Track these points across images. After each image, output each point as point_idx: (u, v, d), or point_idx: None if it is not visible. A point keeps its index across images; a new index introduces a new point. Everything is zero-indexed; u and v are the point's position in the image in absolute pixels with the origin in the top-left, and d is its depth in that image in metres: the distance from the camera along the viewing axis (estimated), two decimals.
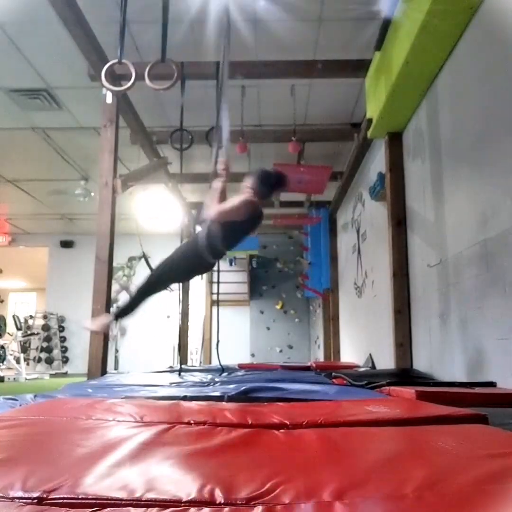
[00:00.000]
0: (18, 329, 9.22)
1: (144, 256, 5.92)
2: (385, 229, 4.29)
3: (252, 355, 9.89)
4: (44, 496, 0.84)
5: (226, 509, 0.81)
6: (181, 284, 6.15)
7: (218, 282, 4.32)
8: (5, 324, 9.44)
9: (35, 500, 0.83)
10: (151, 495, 0.84)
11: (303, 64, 4.15)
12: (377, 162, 4.94)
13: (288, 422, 1.49)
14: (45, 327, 10.19)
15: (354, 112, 5.17)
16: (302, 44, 4.11)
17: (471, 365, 2.88)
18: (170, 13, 2.94)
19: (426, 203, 3.63)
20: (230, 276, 8.96)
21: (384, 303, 4.51)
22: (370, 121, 4.19)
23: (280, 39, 4.03)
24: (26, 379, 7.98)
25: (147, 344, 9.63)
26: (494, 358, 2.58)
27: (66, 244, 10.36)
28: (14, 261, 11.69)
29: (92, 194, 7.01)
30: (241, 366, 4.87)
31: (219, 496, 0.84)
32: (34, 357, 10.21)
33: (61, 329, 10.26)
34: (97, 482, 0.90)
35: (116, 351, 9.72)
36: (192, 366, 7.25)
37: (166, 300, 8.27)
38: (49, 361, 10.16)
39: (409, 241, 4.02)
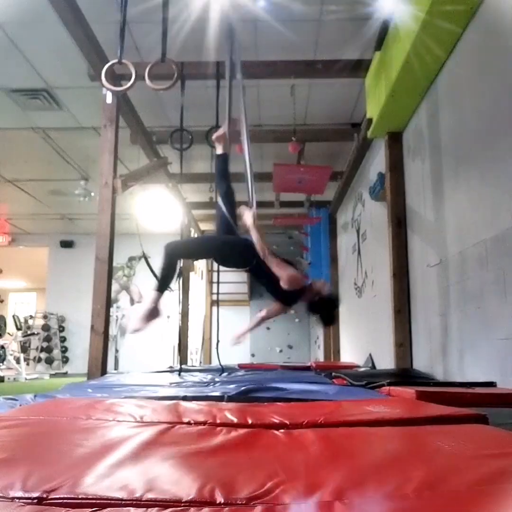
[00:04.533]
0: (18, 329, 9.22)
1: (144, 256, 5.91)
2: (385, 229, 4.29)
3: (252, 355, 9.90)
4: (44, 496, 0.84)
5: (226, 509, 0.80)
6: (181, 283, 6.16)
7: (218, 282, 4.31)
8: (5, 324, 9.44)
9: (35, 500, 0.83)
10: (151, 495, 0.84)
11: (303, 64, 4.15)
12: (377, 162, 4.94)
13: (288, 422, 1.49)
14: (45, 327, 10.19)
15: (354, 112, 5.17)
16: (302, 44, 4.11)
17: (471, 365, 2.88)
18: (170, 13, 2.94)
19: (426, 203, 3.62)
20: (230, 276, 8.92)
21: (384, 303, 4.51)
22: (370, 121, 4.19)
23: (280, 39, 4.03)
24: (26, 379, 7.98)
25: (147, 344, 9.62)
26: (494, 358, 2.58)
27: (66, 244, 10.36)
28: (14, 261, 11.70)
29: (92, 194, 7.01)
30: (241, 366, 4.87)
31: (219, 496, 0.84)
32: (34, 357, 10.21)
33: (61, 329, 10.26)
34: (97, 482, 0.90)
35: (116, 351, 9.72)
36: (192, 366, 7.25)
37: (166, 300, 8.30)
38: (49, 361, 10.16)
39: (409, 241, 4.02)
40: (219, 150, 2.97)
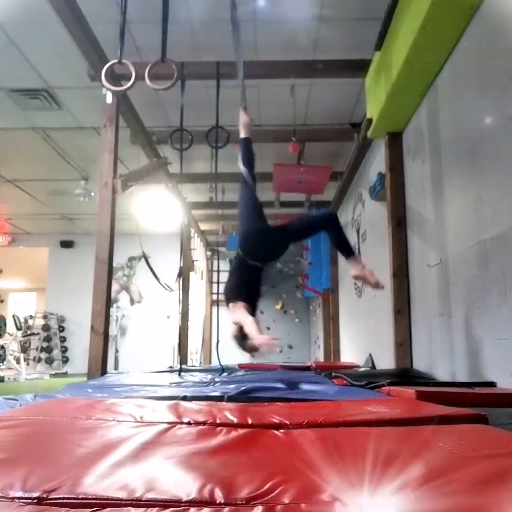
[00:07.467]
0: (18, 329, 9.21)
1: (144, 256, 5.92)
2: (385, 229, 4.29)
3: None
4: (44, 496, 0.84)
5: (226, 509, 0.81)
6: (181, 283, 6.16)
7: (218, 282, 4.31)
8: (5, 324, 9.43)
9: (35, 500, 0.83)
10: (151, 495, 0.84)
11: (303, 64, 4.15)
12: (377, 162, 4.94)
13: (288, 422, 1.49)
14: (45, 327, 10.19)
15: (354, 112, 5.17)
16: (302, 44, 4.11)
17: (471, 365, 2.88)
18: (170, 13, 2.94)
19: (426, 203, 3.62)
20: None
21: (384, 303, 4.51)
22: (370, 121, 4.19)
23: (280, 39, 4.03)
24: (26, 379, 7.97)
25: (147, 344, 9.63)
26: (494, 358, 2.58)
27: (66, 244, 10.37)
28: (14, 261, 11.70)
29: (92, 194, 7.01)
30: (241, 366, 4.87)
31: (219, 496, 0.84)
32: (34, 357, 10.21)
33: (61, 329, 10.26)
34: (97, 482, 0.90)
35: (116, 351, 9.73)
36: (192, 366, 7.25)
37: (166, 300, 8.30)
38: (49, 361, 10.16)
39: (409, 241, 4.02)
40: (244, 135, 3.23)
